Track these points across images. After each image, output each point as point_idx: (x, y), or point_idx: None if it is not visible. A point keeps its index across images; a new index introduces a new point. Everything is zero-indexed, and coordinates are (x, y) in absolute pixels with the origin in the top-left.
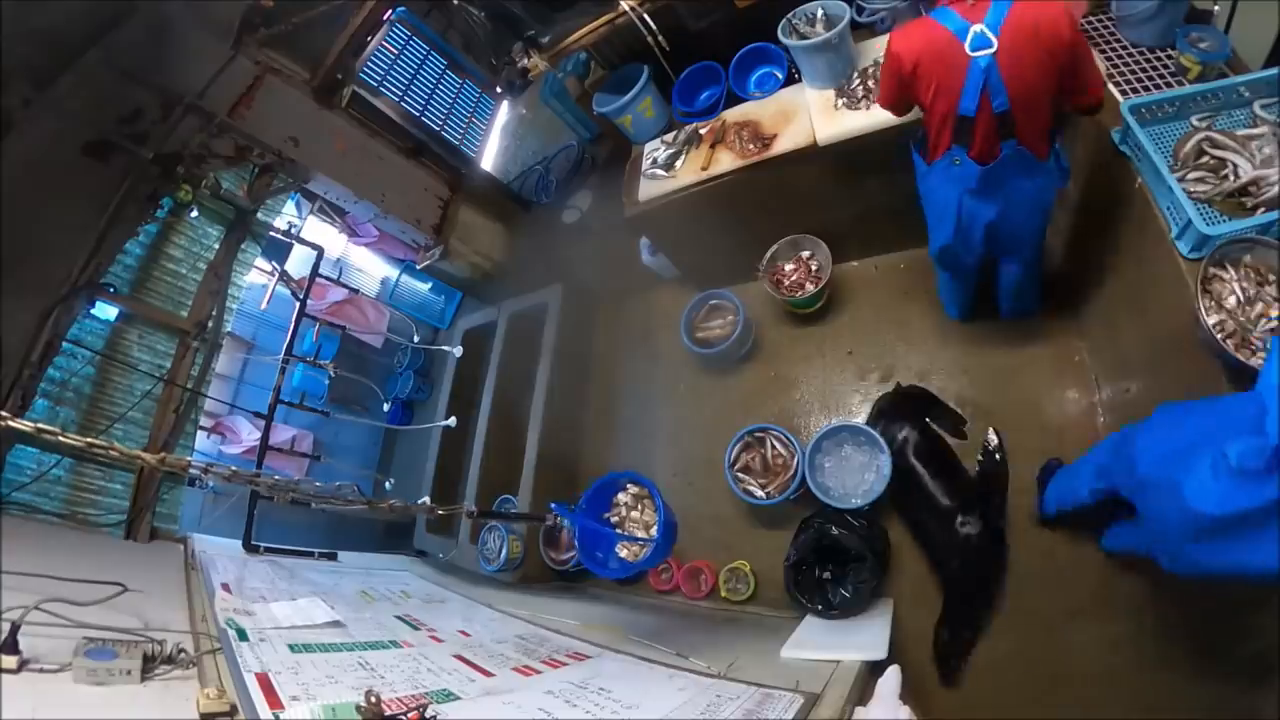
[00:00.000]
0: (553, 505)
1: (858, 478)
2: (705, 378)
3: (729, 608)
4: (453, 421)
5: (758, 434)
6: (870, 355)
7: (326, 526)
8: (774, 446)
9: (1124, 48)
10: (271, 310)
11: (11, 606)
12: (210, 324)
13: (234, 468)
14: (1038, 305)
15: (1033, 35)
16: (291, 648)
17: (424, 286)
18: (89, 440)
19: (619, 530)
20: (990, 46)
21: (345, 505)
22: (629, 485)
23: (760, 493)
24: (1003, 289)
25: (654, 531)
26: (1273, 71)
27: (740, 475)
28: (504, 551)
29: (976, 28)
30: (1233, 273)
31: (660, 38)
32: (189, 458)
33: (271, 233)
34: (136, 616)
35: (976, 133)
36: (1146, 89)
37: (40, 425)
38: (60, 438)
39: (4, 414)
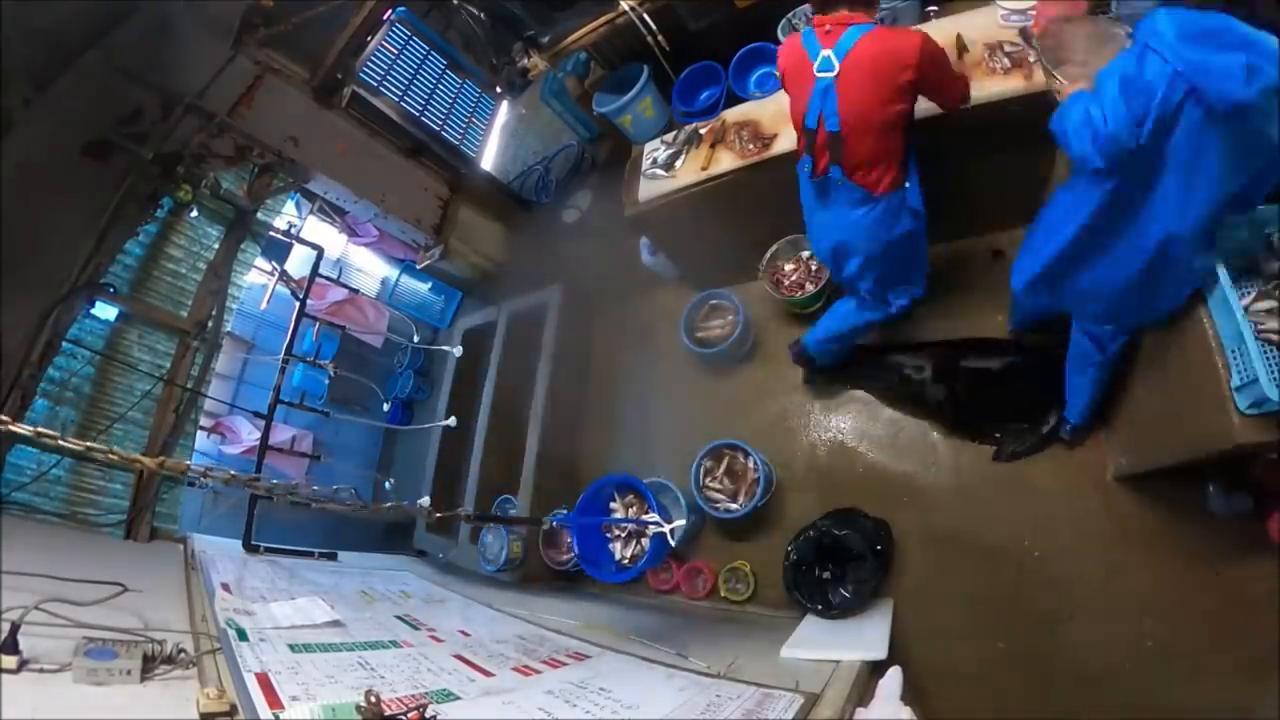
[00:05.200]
0: (554, 518)
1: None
2: (705, 378)
3: (729, 608)
4: (453, 421)
5: (719, 451)
6: None
7: (326, 526)
8: (735, 458)
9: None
10: (271, 310)
11: (11, 606)
12: (210, 324)
13: (233, 471)
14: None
15: (872, 67)
16: (291, 648)
17: (424, 286)
18: (88, 445)
19: (608, 534)
20: (831, 71)
21: (343, 509)
22: (615, 492)
23: (734, 504)
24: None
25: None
26: None
27: (712, 495)
28: (504, 552)
29: (825, 52)
30: None
31: (660, 38)
32: (188, 461)
33: (271, 233)
34: (136, 616)
35: (815, 148)
36: None
37: (40, 429)
38: (60, 442)
39: (4, 418)
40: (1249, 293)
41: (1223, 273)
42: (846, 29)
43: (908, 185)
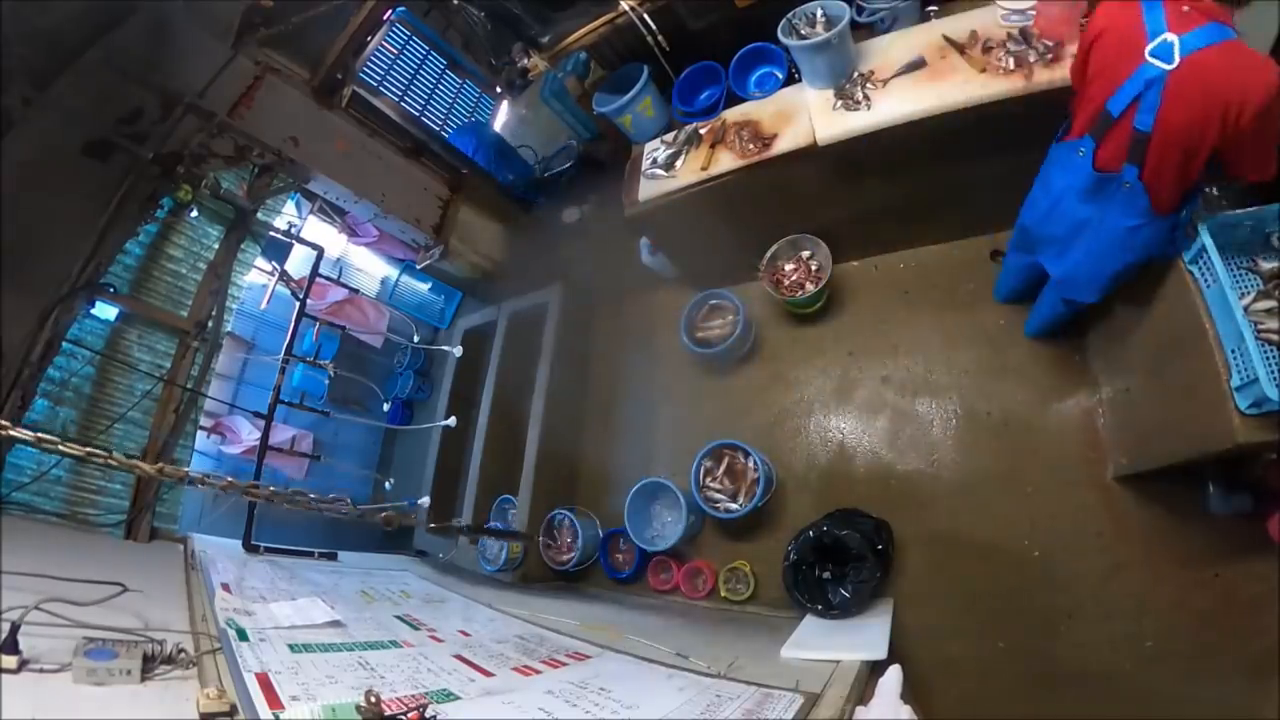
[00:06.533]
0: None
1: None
2: (705, 378)
3: (729, 608)
4: (453, 421)
5: (718, 451)
6: (870, 355)
7: (326, 526)
8: (735, 458)
9: None
10: (271, 310)
11: (11, 606)
12: (210, 324)
13: (230, 478)
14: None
15: (1213, 86)
16: (291, 648)
17: (424, 286)
18: (88, 449)
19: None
20: (1169, 64)
21: (340, 515)
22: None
23: (734, 504)
24: (1037, 307)
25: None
26: None
27: (712, 495)
28: (504, 552)
29: (1170, 37)
30: None
31: (660, 38)
32: (186, 468)
33: (271, 233)
34: (136, 616)
35: (1109, 136)
36: None
37: (40, 435)
38: (60, 447)
39: (4, 423)
40: (1249, 293)
41: (1223, 273)
42: (1205, 24)
43: (1187, 211)
